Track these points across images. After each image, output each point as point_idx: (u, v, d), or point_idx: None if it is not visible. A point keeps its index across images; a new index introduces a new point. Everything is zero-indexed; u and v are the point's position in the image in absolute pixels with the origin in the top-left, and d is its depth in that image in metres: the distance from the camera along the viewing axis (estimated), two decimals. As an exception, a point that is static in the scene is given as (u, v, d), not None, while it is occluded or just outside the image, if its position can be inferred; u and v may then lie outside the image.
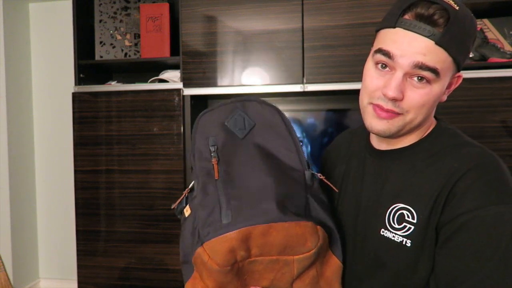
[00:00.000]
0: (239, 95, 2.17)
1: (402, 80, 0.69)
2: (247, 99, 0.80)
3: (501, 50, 1.89)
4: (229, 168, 0.74)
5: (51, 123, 2.74)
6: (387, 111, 0.71)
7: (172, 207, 0.81)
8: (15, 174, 2.61)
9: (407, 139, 0.78)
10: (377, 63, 0.72)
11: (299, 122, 2.18)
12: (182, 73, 2.04)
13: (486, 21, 1.96)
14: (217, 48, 2.02)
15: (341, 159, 0.92)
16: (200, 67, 2.03)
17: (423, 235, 0.70)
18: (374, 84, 0.72)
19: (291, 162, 0.76)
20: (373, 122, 0.74)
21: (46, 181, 2.77)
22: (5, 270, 2.54)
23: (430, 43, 0.66)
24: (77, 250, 2.16)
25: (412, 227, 0.71)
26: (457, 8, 0.67)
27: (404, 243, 0.71)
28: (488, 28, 1.96)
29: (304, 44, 1.94)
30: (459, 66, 0.71)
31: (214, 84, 2.02)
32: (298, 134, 2.18)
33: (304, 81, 1.94)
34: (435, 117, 0.81)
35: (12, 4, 2.59)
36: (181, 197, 0.79)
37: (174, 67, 2.20)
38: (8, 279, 2.55)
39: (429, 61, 0.66)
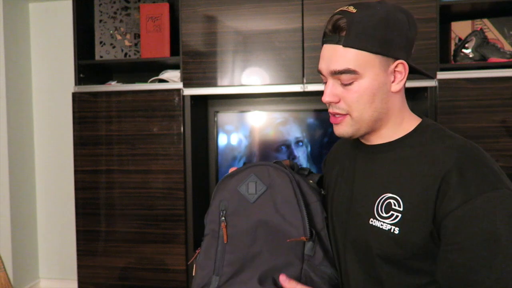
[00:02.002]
0: (239, 95, 2.19)
1: (333, 85, 0.81)
2: (263, 163, 0.88)
3: (501, 50, 1.89)
4: (233, 231, 0.84)
5: (51, 123, 2.74)
6: (333, 114, 0.83)
7: (189, 262, 0.93)
8: (15, 174, 2.61)
9: (386, 132, 0.84)
10: (323, 79, 0.85)
11: (299, 122, 2.18)
12: (182, 73, 2.04)
13: (486, 21, 1.96)
14: (217, 48, 2.02)
15: (338, 160, 0.98)
16: (200, 67, 2.03)
17: (410, 222, 0.74)
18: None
19: (293, 231, 0.82)
20: (334, 128, 0.86)
21: (46, 181, 2.77)
22: (5, 270, 2.54)
23: (338, 48, 0.77)
24: (77, 250, 2.16)
25: (400, 215, 0.75)
26: (354, 11, 0.76)
27: (392, 230, 0.76)
28: (488, 28, 1.96)
29: (304, 44, 1.94)
30: (388, 54, 0.77)
31: (214, 84, 2.02)
32: (298, 134, 2.18)
33: (304, 81, 1.94)
34: (420, 116, 0.86)
35: (12, 4, 2.59)
36: (194, 256, 0.90)
37: (174, 67, 2.20)
38: (8, 279, 2.55)
39: (339, 66, 0.77)
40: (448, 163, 0.72)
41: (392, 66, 0.78)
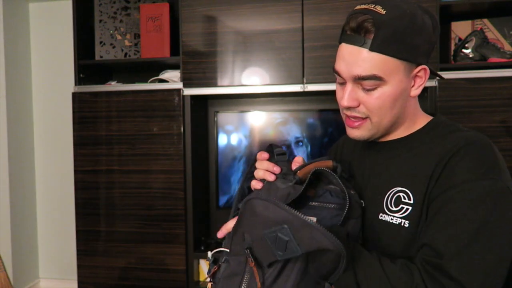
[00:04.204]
0: (239, 95, 2.18)
1: (353, 89, 0.76)
2: (305, 224, 0.61)
3: (501, 50, 1.89)
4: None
5: (51, 123, 2.74)
6: (354, 118, 0.79)
7: (206, 279, 0.76)
8: (15, 174, 2.61)
9: (399, 132, 0.83)
10: (338, 79, 0.81)
11: (299, 122, 2.18)
12: (182, 73, 2.04)
13: (486, 21, 1.96)
14: (217, 48, 2.01)
15: (346, 155, 0.97)
16: (200, 67, 2.03)
17: (419, 215, 0.73)
18: (338, 98, 0.81)
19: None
20: (349, 131, 0.82)
21: (46, 181, 2.77)
22: (5, 270, 2.54)
23: (364, 51, 0.72)
24: (77, 250, 2.16)
25: (410, 208, 0.75)
26: (383, 12, 0.71)
27: (402, 224, 0.75)
28: (488, 28, 1.96)
29: (304, 44, 1.94)
30: (413, 60, 0.75)
31: (214, 84, 2.02)
32: (298, 134, 2.18)
33: (304, 81, 1.94)
34: (433, 114, 0.86)
35: (12, 4, 2.59)
36: (211, 272, 0.75)
37: (174, 67, 2.20)
38: (8, 279, 2.55)
39: (366, 71, 0.73)
40: (454, 150, 0.72)
41: (415, 71, 0.76)
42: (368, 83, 0.74)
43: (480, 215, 0.67)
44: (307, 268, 0.67)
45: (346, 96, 0.76)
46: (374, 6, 0.72)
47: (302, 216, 0.62)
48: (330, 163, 0.77)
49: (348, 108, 0.78)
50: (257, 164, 0.79)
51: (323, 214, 0.74)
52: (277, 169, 0.76)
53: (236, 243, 0.73)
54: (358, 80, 0.74)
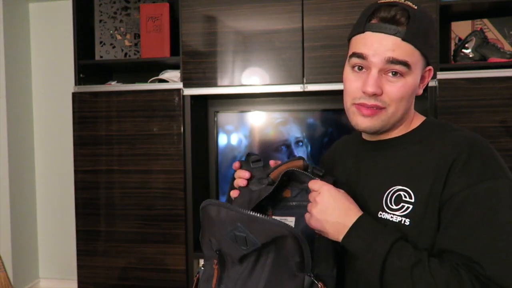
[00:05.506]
0: (239, 95, 2.18)
1: (378, 76, 0.76)
2: (253, 218, 0.69)
3: (501, 50, 1.89)
4: (227, 273, 0.75)
5: (51, 123, 2.74)
6: (371, 106, 0.78)
7: None
8: (15, 174, 2.61)
9: (397, 131, 0.84)
10: (353, 67, 0.80)
11: (299, 122, 2.18)
12: (182, 73, 2.04)
13: (486, 21, 1.96)
14: (217, 48, 2.01)
15: (340, 159, 0.97)
16: (200, 67, 2.03)
17: (422, 213, 0.74)
18: (353, 86, 0.80)
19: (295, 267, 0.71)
20: (359, 120, 0.80)
21: (46, 181, 2.77)
22: (5, 270, 2.54)
23: (397, 40, 0.74)
24: (77, 250, 2.16)
25: (411, 206, 0.75)
26: (415, 7, 0.75)
27: (402, 222, 0.76)
28: (488, 28, 1.96)
29: (304, 44, 1.94)
30: (427, 59, 0.79)
31: (214, 84, 2.02)
32: (298, 134, 2.18)
33: (304, 81, 1.94)
34: (424, 115, 0.88)
35: (12, 4, 2.59)
36: (194, 284, 0.82)
37: (174, 67, 2.20)
38: (8, 279, 2.55)
39: (399, 55, 0.74)
40: (455, 153, 0.73)
41: (424, 70, 0.81)
42: (398, 68, 0.75)
43: (493, 214, 0.68)
44: (281, 260, 0.70)
45: (372, 82, 0.75)
46: (405, 1, 0.76)
47: (250, 212, 0.69)
48: (300, 162, 0.81)
49: (373, 94, 0.76)
50: (235, 174, 0.86)
51: (301, 212, 0.79)
52: (247, 175, 0.82)
53: (207, 248, 0.79)
54: (390, 63, 0.74)
